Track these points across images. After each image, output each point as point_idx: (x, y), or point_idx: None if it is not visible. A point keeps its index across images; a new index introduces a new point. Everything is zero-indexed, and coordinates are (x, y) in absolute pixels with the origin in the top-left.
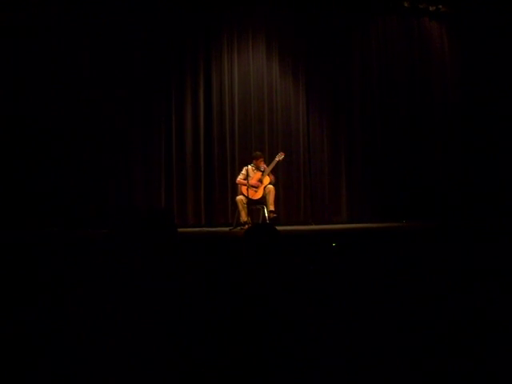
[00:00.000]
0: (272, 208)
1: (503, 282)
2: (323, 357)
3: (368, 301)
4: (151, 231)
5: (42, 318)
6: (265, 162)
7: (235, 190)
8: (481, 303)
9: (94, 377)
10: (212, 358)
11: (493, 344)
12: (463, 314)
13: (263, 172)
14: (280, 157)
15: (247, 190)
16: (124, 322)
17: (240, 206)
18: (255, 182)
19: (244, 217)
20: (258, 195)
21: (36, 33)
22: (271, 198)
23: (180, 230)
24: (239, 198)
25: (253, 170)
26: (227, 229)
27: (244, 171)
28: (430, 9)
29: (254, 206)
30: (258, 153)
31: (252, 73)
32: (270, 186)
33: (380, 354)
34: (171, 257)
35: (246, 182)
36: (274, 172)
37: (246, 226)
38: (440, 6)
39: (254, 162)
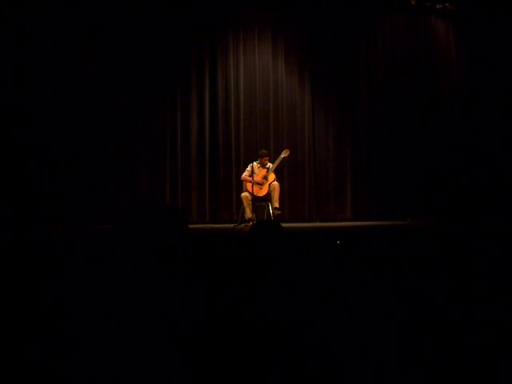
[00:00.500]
0: (277, 205)
1: (503, 282)
2: (324, 356)
3: (371, 298)
4: (164, 229)
5: (43, 317)
6: (270, 161)
7: (240, 187)
8: (481, 302)
9: (94, 375)
10: (212, 357)
11: (492, 343)
12: (464, 313)
13: (268, 169)
14: (285, 154)
15: (252, 186)
16: (124, 321)
17: (245, 203)
18: (260, 178)
19: (249, 213)
20: (263, 192)
21: (38, 33)
22: (276, 195)
23: None
24: (244, 194)
25: (258, 167)
26: (232, 225)
27: (249, 168)
28: (437, 7)
29: (259, 202)
30: (264, 151)
31: (257, 70)
32: (275, 183)
33: (381, 352)
34: (178, 255)
35: (250, 178)
36: (279, 169)
37: (251, 223)
38: (447, 4)
39: (260, 159)
